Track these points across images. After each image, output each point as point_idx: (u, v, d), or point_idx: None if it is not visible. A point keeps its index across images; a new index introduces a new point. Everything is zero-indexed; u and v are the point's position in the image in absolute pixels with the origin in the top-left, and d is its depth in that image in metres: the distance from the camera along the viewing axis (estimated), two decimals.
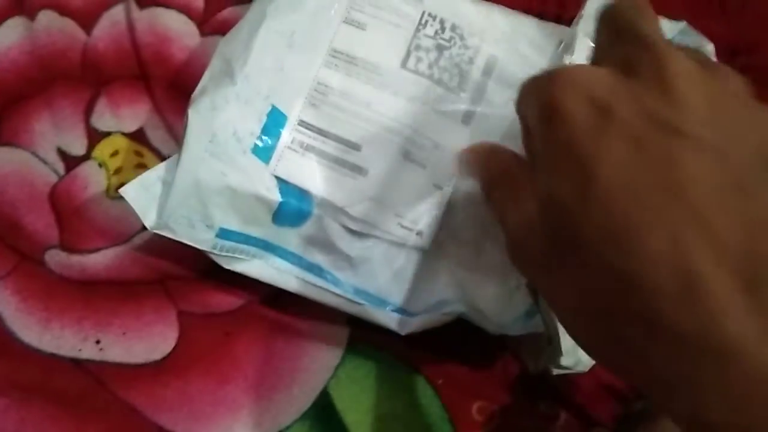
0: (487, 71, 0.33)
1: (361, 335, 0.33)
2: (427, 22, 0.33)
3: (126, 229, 0.34)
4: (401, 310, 0.32)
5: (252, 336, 0.32)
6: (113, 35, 0.37)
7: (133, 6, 0.37)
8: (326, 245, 0.31)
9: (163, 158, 0.35)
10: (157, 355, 0.32)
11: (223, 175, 0.30)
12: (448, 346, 0.33)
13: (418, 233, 0.31)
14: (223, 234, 0.30)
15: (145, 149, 0.35)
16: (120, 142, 0.35)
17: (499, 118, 0.32)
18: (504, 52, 0.33)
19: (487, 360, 0.33)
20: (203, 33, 0.37)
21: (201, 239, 0.30)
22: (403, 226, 0.31)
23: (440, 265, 0.32)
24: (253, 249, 0.31)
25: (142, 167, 0.35)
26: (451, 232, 0.32)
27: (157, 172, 0.30)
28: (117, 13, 0.37)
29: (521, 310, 0.30)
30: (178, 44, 0.37)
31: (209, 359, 0.32)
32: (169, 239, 0.30)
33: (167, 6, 0.37)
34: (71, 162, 0.35)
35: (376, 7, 0.33)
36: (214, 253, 0.31)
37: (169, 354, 0.32)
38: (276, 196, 0.30)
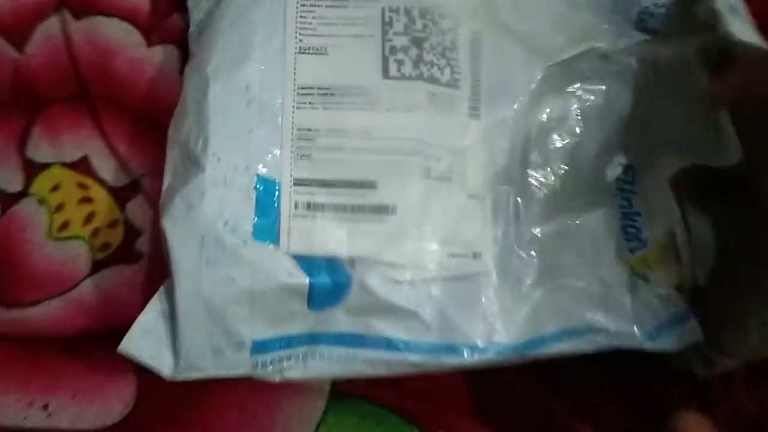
0: (475, 52, 0.29)
1: (345, 384, 0.29)
2: (392, 18, 0.28)
3: (70, 274, 0.31)
4: (515, 348, 0.27)
5: (221, 391, 0.29)
6: (48, 51, 0.33)
7: (68, 16, 0.33)
8: (381, 308, 0.26)
9: (110, 189, 0.32)
10: (114, 418, 0.29)
11: (231, 280, 0.25)
12: (445, 394, 0.30)
13: (475, 255, 0.27)
14: (259, 347, 0.26)
15: (90, 180, 0.32)
16: (61, 175, 0.32)
17: (509, 101, 0.28)
18: (486, 24, 0.29)
19: (487, 408, 0.30)
20: (150, 42, 0.33)
21: (236, 363, 0.26)
22: (454, 255, 0.27)
23: (524, 284, 0.27)
24: (299, 349, 0.26)
25: (88, 201, 0.32)
26: (514, 244, 0.28)
27: (154, 308, 0.26)
28: (51, 25, 0.33)
29: (662, 315, 0.27)
30: (123, 57, 0.33)
31: (174, 421, 0.29)
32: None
33: (107, 14, 0.34)
34: (7, 200, 0.31)
35: (329, 23, 0.28)
36: (257, 374, 0.26)
37: (127, 417, 0.29)
38: (302, 278, 0.26)
